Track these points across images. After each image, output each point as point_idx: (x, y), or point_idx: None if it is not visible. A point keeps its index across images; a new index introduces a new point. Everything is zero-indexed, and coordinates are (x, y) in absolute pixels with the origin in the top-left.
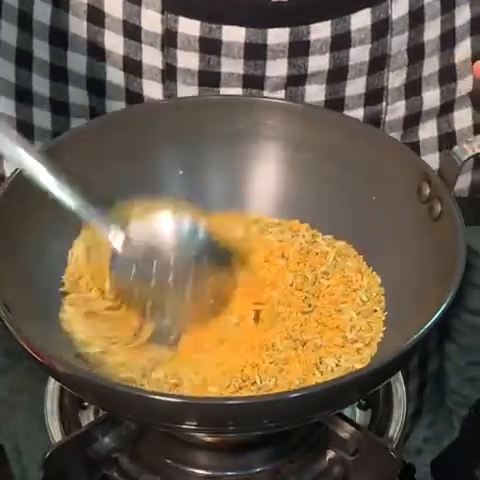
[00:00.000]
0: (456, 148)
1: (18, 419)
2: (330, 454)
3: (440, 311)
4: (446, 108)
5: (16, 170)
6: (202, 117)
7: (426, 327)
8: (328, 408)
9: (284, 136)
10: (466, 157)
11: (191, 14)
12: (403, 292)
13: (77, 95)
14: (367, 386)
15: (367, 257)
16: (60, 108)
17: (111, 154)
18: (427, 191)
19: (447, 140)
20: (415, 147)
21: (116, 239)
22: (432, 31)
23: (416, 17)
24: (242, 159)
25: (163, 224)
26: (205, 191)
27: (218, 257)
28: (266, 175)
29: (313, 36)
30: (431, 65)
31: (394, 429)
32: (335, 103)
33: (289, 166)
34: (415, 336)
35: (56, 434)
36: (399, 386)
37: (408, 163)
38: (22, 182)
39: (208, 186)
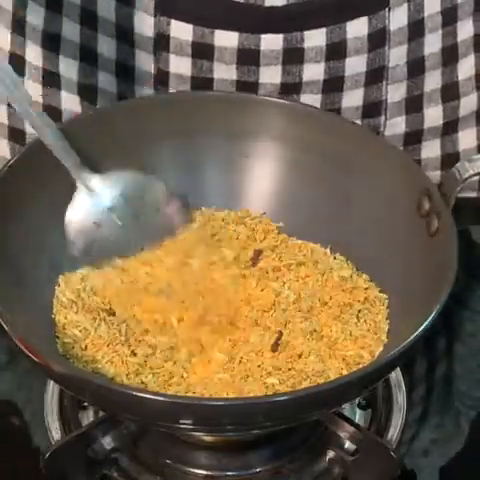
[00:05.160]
0: (458, 165)
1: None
2: (330, 454)
3: (419, 331)
4: (450, 127)
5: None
6: (200, 114)
7: (408, 341)
8: (316, 410)
9: (284, 136)
10: (467, 175)
11: (183, 17)
12: (392, 303)
13: (69, 101)
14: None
15: (362, 267)
16: (51, 114)
17: (107, 151)
18: (427, 206)
19: (451, 160)
20: None
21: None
22: (433, 45)
23: (416, 29)
24: (241, 158)
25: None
26: (203, 190)
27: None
28: (265, 175)
29: (307, 43)
30: (433, 81)
31: (394, 429)
32: None
33: (288, 166)
34: (400, 346)
35: (56, 434)
36: (399, 386)
37: (411, 176)
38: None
39: (206, 185)
